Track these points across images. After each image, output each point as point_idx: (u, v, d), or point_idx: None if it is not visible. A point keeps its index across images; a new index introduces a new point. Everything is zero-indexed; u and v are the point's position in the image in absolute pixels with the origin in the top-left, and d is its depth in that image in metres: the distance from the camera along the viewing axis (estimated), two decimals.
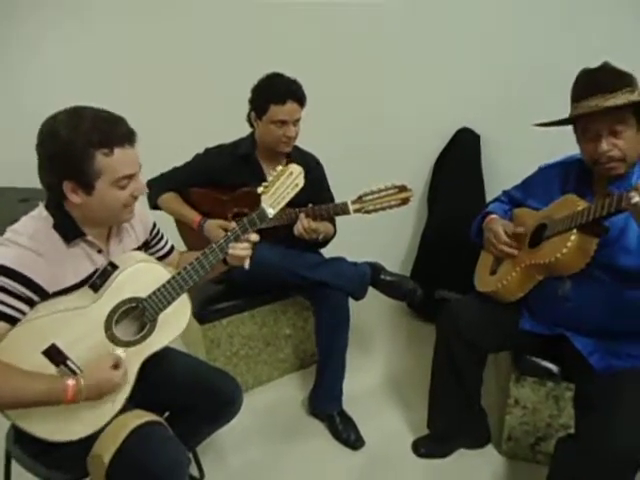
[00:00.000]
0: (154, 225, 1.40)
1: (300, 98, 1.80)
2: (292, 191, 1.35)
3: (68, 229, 1.13)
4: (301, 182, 1.36)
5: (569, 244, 1.31)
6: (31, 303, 1.08)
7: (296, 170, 1.35)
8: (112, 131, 1.07)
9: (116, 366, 1.14)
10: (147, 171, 1.92)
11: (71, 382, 1.07)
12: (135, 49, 2.56)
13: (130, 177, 1.13)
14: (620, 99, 1.25)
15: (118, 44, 2.56)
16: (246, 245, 1.31)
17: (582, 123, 1.35)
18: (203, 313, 1.96)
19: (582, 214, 1.28)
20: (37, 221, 1.12)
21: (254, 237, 1.32)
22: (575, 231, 1.31)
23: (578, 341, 1.43)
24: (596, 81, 1.30)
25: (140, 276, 1.20)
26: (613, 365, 1.36)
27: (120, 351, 1.16)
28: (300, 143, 1.98)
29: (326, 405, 1.94)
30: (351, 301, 1.90)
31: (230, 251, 1.29)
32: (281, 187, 1.33)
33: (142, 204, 1.38)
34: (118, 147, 1.08)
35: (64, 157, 1.05)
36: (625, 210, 1.17)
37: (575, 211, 1.31)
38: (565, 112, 1.41)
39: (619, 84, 1.27)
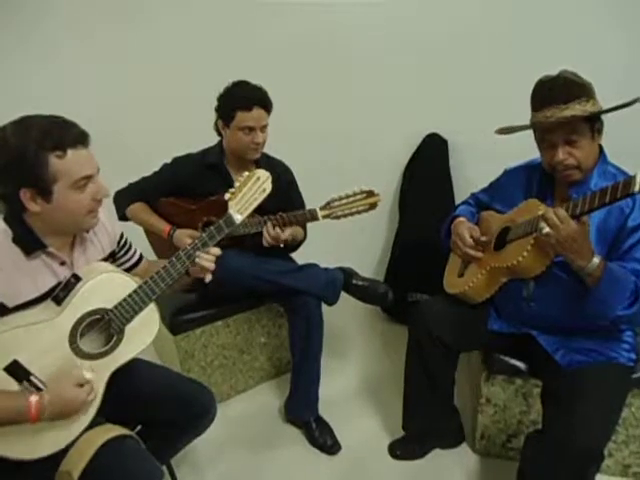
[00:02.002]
0: (121, 236, 1.38)
1: (266, 104, 1.81)
2: (260, 196, 1.33)
3: (28, 241, 1.11)
4: (268, 187, 1.35)
5: (529, 248, 1.35)
6: None
7: (263, 175, 1.34)
8: (63, 133, 1.07)
9: (81, 385, 1.11)
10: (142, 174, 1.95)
11: (34, 399, 1.05)
12: (131, 58, 2.54)
13: (87, 178, 1.11)
14: (573, 110, 1.29)
15: (108, 50, 2.54)
16: (210, 257, 1.29)
17: (539, 132, 1.40)
18: (176, 323, 1.94)
19: (540, 219, 1.31)
20: None
21: (215, 251, 1.30)
22: (534, 235, 1.34)
23: (543, 339, 1.47)
24: (551, 92, 1.34)
25: (105, 287, 1.18)
26: (577, 360, 1.41)
27: (88, 373, 1.14)
28: (271, 150, 1.99)
29: (302, 412, 1.94)
30: (324, 306, 1.91)
31: (197, 260, 1.27)
32: (248, 192, 1.32)
33: (110, 214, 1.36)
34: (71, 148, 1.07)
35: (17, 165, 1.04)
36: (581, 216, 1.21)
37: (535, 215, 1.35)
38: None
39: (573, 95, 1.30)
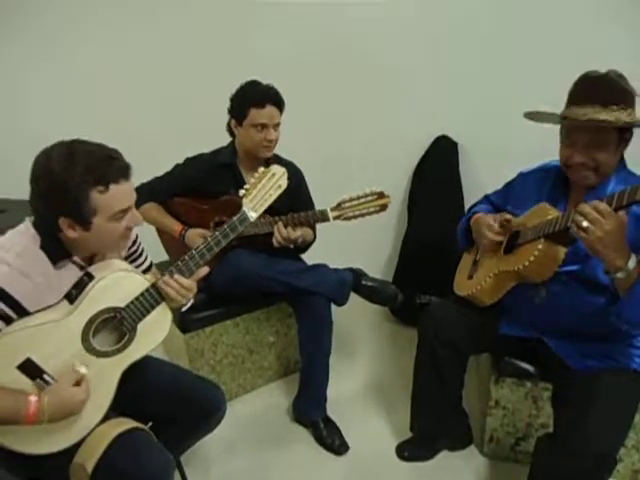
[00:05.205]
0: (134, 241, 1.37)
1: (278, 102, 1.83)
2: (275, 193, 1.31)
3: (56, 251, 1.13)
4: (284, 183, 1.33)
5: (536, 252, 1.33)
6: (9, 321, 1.07)
7: (278, 171, 1.32)
8: (107, 169, 1.07)
9: (78, 383, 1.12)
10: (149, 176, 1.95)
11: (33, 399, 1.05)
12: (132, 58, 2.56)
13: (126, 210, 1.13)
14: (610, 116, 1.24)
15: (115, 55, 2.57)
16: (175, 286, 1.21)
17: (566, 128, 1.36)
18: (186, 322, 1.96)
19: (550, 224, 1.30)
20: (25, 238, 1.11)
21: (184, 282, 1.23)
22: (543, 240, 1.33)
23: (554, 344, 1.47)
24: (593, 90, 1.29)
25: (117, 285, 1.18)
26: (589, 366, 1.40)
27: (81, 367, 1.13)
28: (280, 153, 2.00)
29: (310, 411, 1.95)
30: (333, 307, 1.92)
31: (160, 285, 1.21)
32: (263, 189, 1.30)
33: None
34: (113, 184, 1.08)
35: (59, 196, 1.04)
36: (620, 209, 1.15)
37: (544, 220, 1.34)
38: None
39: (614, 99, 1.25)
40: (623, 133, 1.30)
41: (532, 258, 1.34)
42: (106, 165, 1.07)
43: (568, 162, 1.35)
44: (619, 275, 1.16)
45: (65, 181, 1.03)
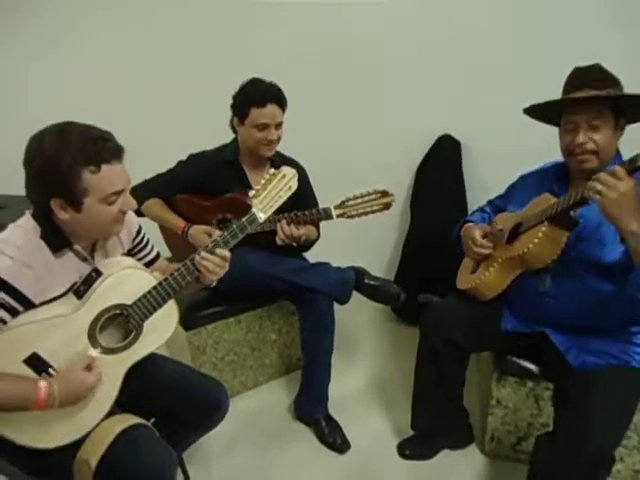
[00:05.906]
0: (138, 232, 1.38)
1: (280, 100, 1.83)
2: (285, 194, 1.33)
3: (56, 239, 1.13)
4: (294, 185, 1.34)
5: (540, 235, 1.37)
6: (14, 313, 1.07)
7: (289, 173, 1.34)
8: (99, 149, 1.06)
9: (89, 367, 1.13)
10: (148, 174, 1.96)
11: (44, 384, 1.06)
12: (132, 57, 2.57)
13: (119, 193, 1.12)
14: (602, 93, 1.33)
15: (115, 54, 2.57)
16: (214, 259, 1.25)
17: (565, 115, 1.42)
18: (188, 319, 1.96)
19: (552, 206, 1.35)
20: (25, 231, 1.11)
21: (221, 252, 1.26)
22: (546, 223, 1.38)
23: (556, 338, 1.47)
24: (585, 77, 1.38)
25: (125, 283, 1.19)
26: (589, 362, 1.40)
27: (94, 351, 1.15)
28: (283, 150, 2.00)
29: (312, 409, 1.95)
30: (336, 305, 1.92)
31: (199, 261, 1.24)
32: (273, 191, 1.32)
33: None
34: (105, 164, 1.07)
35: (51, 176, 1.05)
36: (589, 199, 1.22)
37: (546, 206, 1.38)
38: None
39: (606, 82, 1.35)
40: (618, 119, 1.36)
41: (536, 240, 1.38)
42: (98, 146, 1.07)
43: (571, 147, 1.39)
44: (634, 242, 1.18)
45: (57, 161, 1.03)
